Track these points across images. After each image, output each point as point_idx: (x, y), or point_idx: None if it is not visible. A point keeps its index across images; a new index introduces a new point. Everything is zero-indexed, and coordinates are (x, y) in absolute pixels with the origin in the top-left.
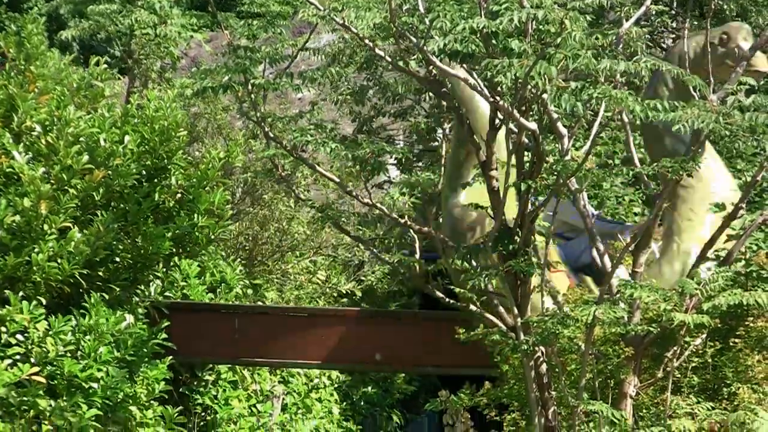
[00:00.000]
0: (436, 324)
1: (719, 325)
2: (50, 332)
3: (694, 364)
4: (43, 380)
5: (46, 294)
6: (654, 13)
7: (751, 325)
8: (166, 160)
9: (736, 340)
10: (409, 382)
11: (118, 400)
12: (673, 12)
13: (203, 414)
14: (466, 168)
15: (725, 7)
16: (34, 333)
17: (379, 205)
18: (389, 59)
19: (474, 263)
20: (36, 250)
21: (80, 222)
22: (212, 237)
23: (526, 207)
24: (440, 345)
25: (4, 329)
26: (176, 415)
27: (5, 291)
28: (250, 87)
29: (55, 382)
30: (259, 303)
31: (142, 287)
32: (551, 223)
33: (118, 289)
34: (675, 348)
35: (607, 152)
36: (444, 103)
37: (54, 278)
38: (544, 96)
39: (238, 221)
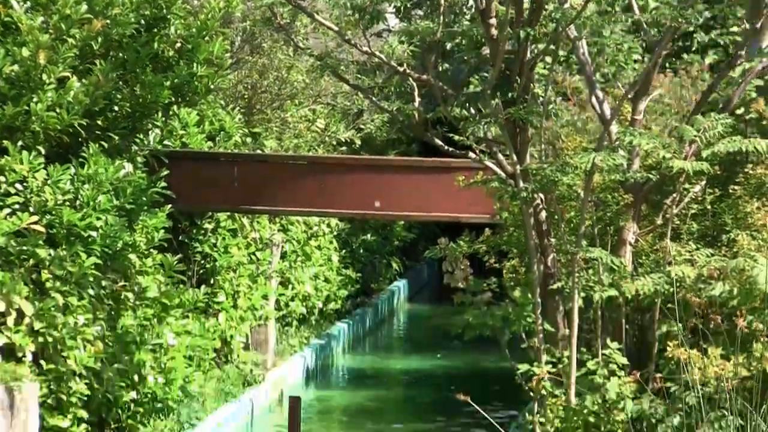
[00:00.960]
0: (435, 171)
1: (718, 172)
2: (49, 181)
3: (693, 211)
4: (42, 229)
5: (45, 143)
6: None
7: (750, 172)
8: (165, 10)
9: (736, 187)
10: (409, 229)
11: (118, 248)
12: None
13: (202, 262)
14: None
15: None
16: (33, 182)
17: (378, 53)
18: None
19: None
20: (35, 99)
21: (79, 72)
22: (211, 86)
23: (525, 54)
24: (439, 192)
25: (3, 179)
26: (175, 263)
27: (4, 141)
28: None
29: (54, 231)
30: (258, 151)
31: (141, 136)
32: None
33: (116, 138)
34: (674, 195)
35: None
36: None
37: (53, 128)
38: None
39: (237, 70)
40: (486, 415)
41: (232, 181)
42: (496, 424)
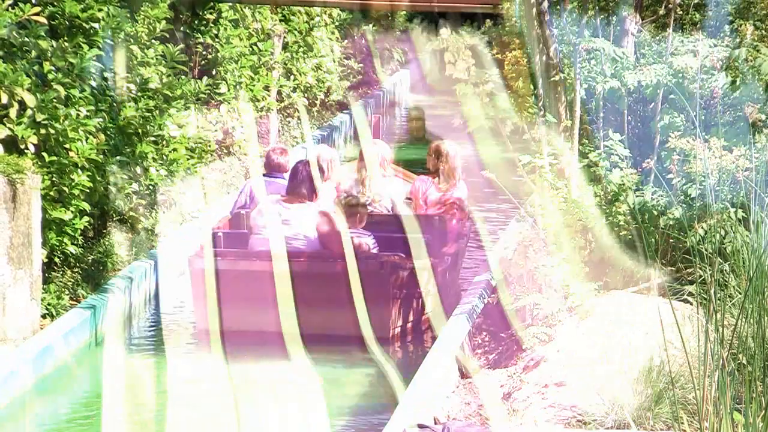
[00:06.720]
0: None
1: None
2: None
3: (695, 1)
4: (44, 21)
5: None
6: None
7: None
8: None
9: None
10: (410, 19)
11: (120, 40)
12: None
13: (204, 53)
14: None
15: None
16: None
17: None
18: None
19: None
20: None
21: None
22: None
23: None
24: None
25: None
26: (177, 54)
27: None
28: None
29: (56, 22)
30: None
31: None
32: None
33: None
34: None
35: None
36: None
37: None
38: None
39: None
40: (510, 196)
41: None
42: (516, 202)
